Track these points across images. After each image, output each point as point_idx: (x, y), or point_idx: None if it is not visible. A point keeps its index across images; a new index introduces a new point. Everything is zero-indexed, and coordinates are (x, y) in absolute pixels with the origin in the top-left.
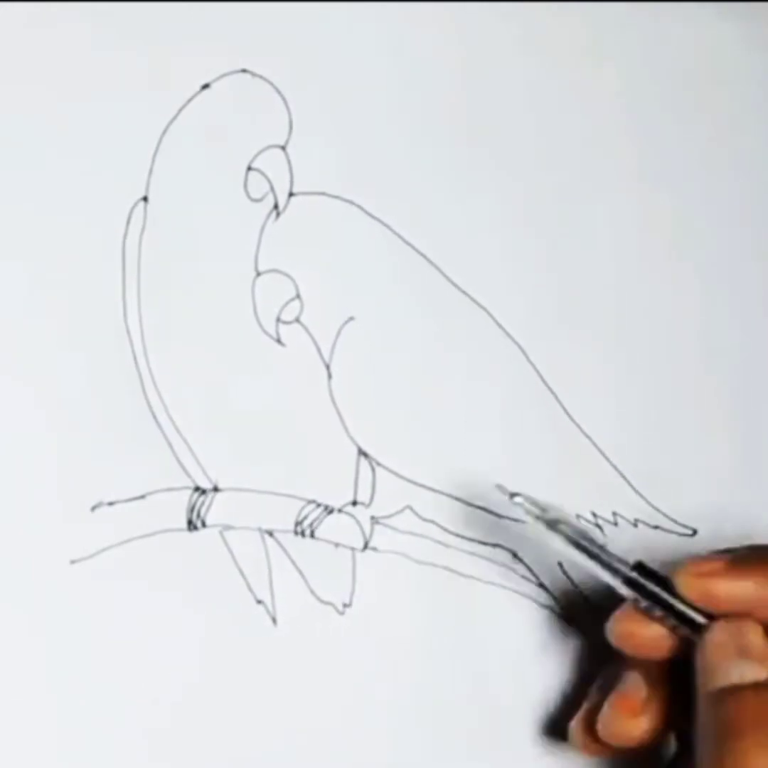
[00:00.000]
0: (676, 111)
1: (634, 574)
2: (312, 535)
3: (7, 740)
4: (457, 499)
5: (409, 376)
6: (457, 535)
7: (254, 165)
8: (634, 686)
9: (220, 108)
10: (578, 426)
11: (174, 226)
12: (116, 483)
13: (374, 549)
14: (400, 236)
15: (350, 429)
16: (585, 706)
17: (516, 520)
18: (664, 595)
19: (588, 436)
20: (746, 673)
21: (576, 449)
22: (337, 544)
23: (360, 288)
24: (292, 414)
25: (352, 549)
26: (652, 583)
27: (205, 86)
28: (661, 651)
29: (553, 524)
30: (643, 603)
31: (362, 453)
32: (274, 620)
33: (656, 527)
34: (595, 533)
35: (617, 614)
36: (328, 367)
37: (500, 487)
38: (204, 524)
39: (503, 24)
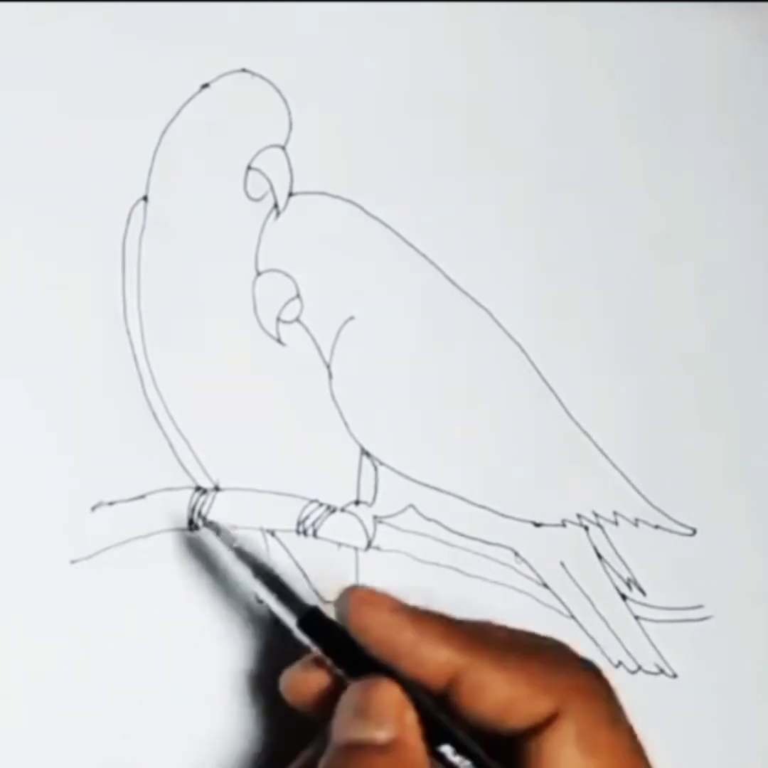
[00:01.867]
0: (676, 111)
1: (295, 624)
2: (314, 535)
3: (6, 740)
4: (460, 498)
5: (409, 376)
6: (460, 535)
7: (254, 164)
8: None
9: (220, 107)
10: (578, 425)
11: (174, 225)
12: (117, 483)
13: (377, 548)
14: (400, 236)
15: (352, 428)
16: None
17: (519, 520)
18: (331, 639)
19: (588, 436)
20: (363, 732)
21: (576, 448)
22: (340, 544)
23: (360, 287)
24: (294, 413)
25: (356, 548)
26: (321, 629)
27: (205, 86)
28: (324, 708)
29: (240, 554)
30: (315, 650)
31: (364, 452)
32: (275, 620)
33: (657, 526)
34: (283, 573)
35: (297, 664)
36: (328, 366)
37: (197, 514)
38: (205, 524)
39: (503, 24)
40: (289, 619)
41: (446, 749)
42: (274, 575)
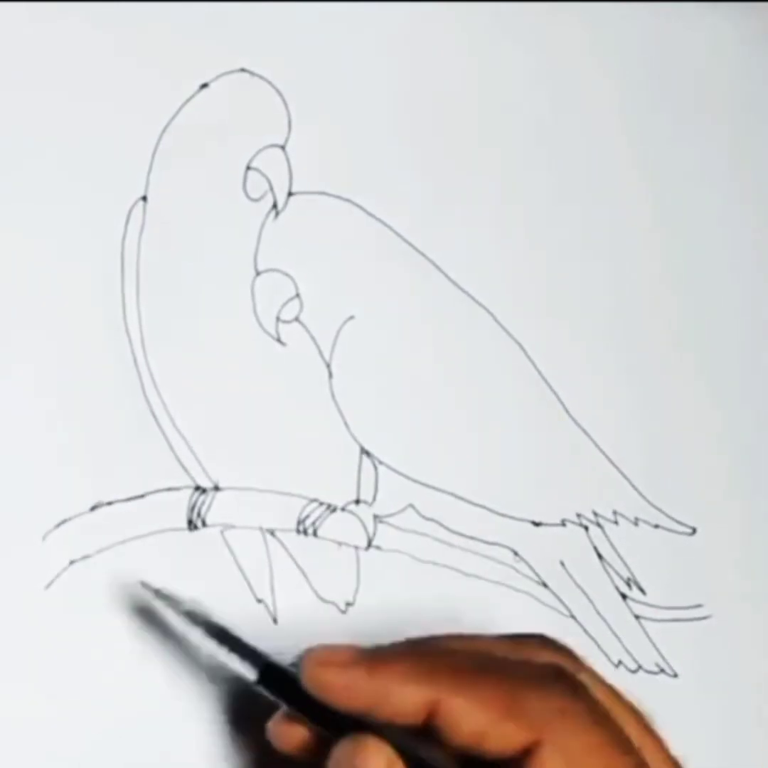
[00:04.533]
0: (676, 111)
1: (253, 679)
2: (314, 534)
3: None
4: (459, 497)
5: (409, 375)
6: (460, 534)
7: (253, 164)
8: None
9: (219, 107)
10: (579, 424)
11: (173, 225)
12: (116, 482)
13: (378, 548)
14: (399, 236)
15: (352, 427)
16: None
17: (519, 520)
18: (293, 696)
19: (588, 435)
20: None
21: (577, 448)
22: (340, 543)
23: (360, 287)
24: (293, 413)
25: (356, 548)
26: (280, 683)
27: (204, 85)
28: (317, 754)
29: (192, 617)
30: (284, 704)
31: (364, 451)
32: (274, 620)
33: (657, 526)
34: (232, 627)
35: (278, 713)
36: (328, 365)
37: (144, 584)
38: (204, 524)
39: (503, 24)
40: (250, 676)
41: None
42: (227, 633)
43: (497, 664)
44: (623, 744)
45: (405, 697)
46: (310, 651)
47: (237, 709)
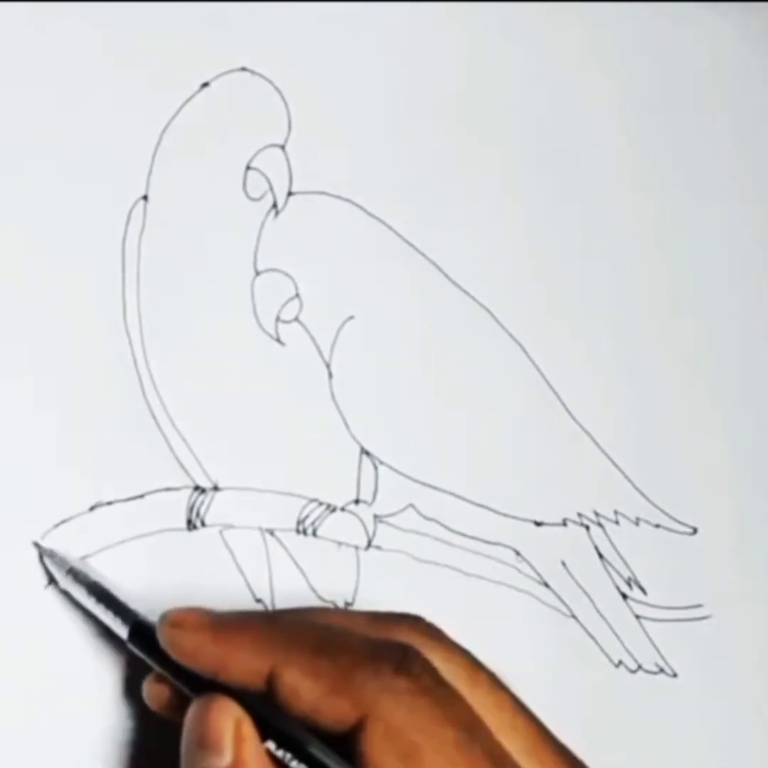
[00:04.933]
0: (676, 111)
1: (125, 633)
2: (314, 534)
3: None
4: (460, 497)
5: (409, 375)
6: (461, 534)
7: (253, 164)
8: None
9: (220, 107)
10: (579, 424)
11: (173, 225)
12: (115, 482)
13: (378, 548)
14: (399, 236)
15: (352, 427)
16: None
17: (520, 519)
18: (158, 655)
19: (589, 434)
20: (205, 761)
21: (578, 447)
22: (340, 543)
23: (359, 287)
24: (293, 413)
25: (356, 547)
26: (148, 642)
27: (205, 85)
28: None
29: (76, 576)
30: (151, 662)
31: (364, 451)
32: None
33: (658, 526)
34: (113, 586)
35: (151, 673)
36: (328, 366)
37: (35, 544)
38: (203, 524)
39: (503, 24)
40: (122, 634)
41: (270, 745)
42: (105, 592)
43: (338, 640)
44: (458, 715)
45: (243, 665)
46: (166, 612)
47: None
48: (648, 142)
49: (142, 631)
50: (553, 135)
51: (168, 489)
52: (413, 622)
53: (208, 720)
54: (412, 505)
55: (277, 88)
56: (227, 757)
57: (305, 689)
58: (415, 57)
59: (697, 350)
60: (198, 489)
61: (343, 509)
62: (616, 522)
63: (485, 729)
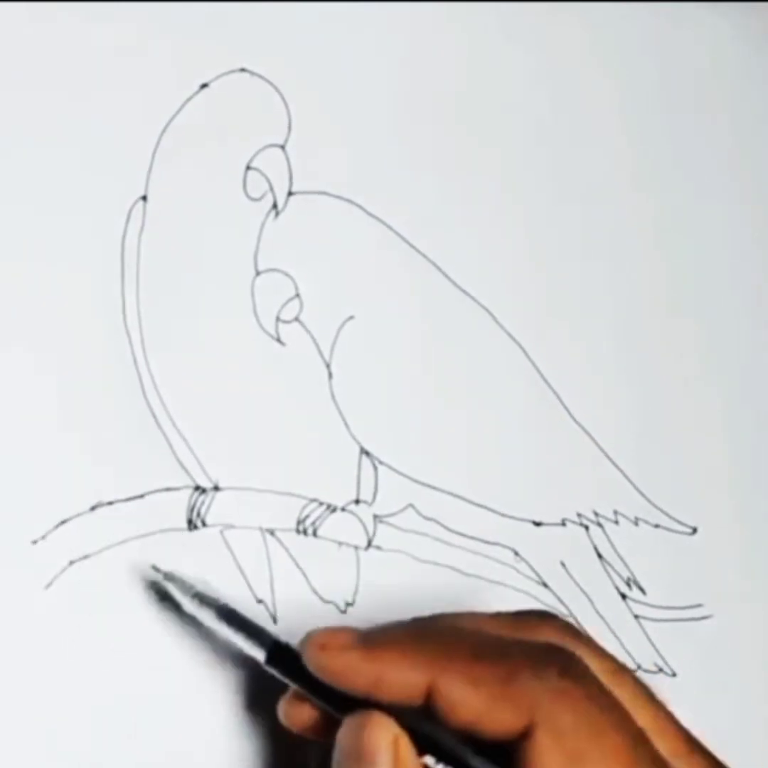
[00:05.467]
0: (676, 111)
1: (262, 659)
2: (314, 534)
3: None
4: (460, 497)
5: (409, 375)
6: (460, 534)
7: (253, 164)
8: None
9: (219, 107)
10: (579, 424)
11: (173, 225)
12: (116, 482)
13: (378, 548)
14: (400, 236)
15: (352, 427)
16: None
17: (519, 519)
18: (301, 676)
19: (589, 434)
20: None
21: (577, 447)
22: (340, 543)
23: (359, 287)
24: (293, 413)
25: (356, 547)
26: (288, 663)
27: (204, 85)
28: (326, 733)
29: (202, 599)
30: (292, 683)
31: (364, 451)
32: (274, 619)
33: (657, 526)
34: (246, 612)
35: (287, 693)
36: (328, 365)
37: (155, 568)
38: (204, 523)
39: (503, 24)
40: (259, 657)
41: (429, 761)
42: (236, 614)
43: (492, 645)
44: (621, 720)
45: (401, 680)
46: (310, 634)
47: (250, 692)
48: (648, 142)
49: (281, 653)
50: (553, 135)
51: (168, 489)
52: (554, 621)
53: (364, 738)
54: (411, 505)
55: (277, 89)
56: None
57: (467, 699)
58: (415, 57)
59: (697, 350)
60: (198, 489)
61: (343, 509)
62: (616, 522)
63: (646, 737)
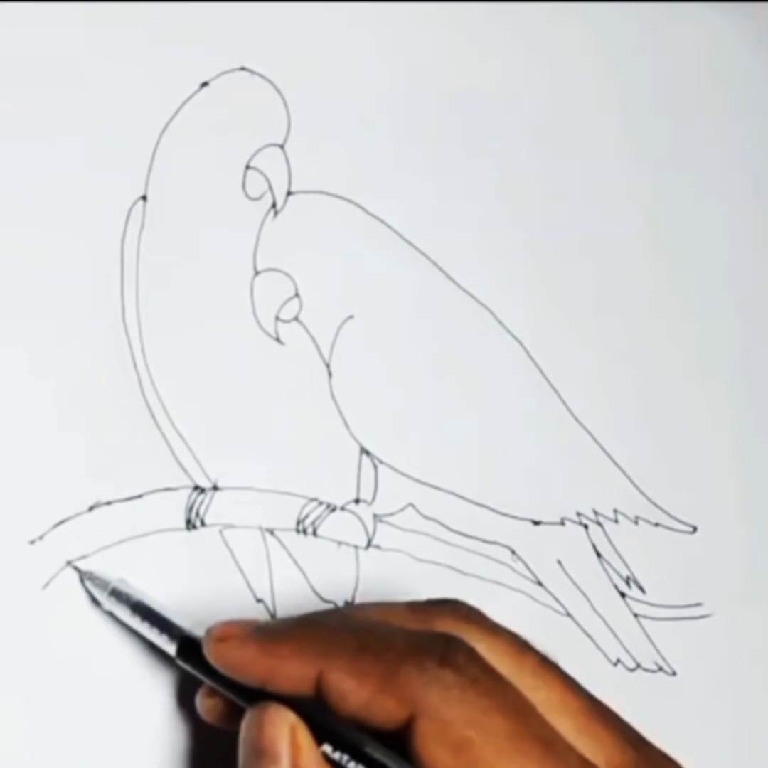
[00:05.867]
0: (676, 111)
1: (173, 649)
2: (314, 534)
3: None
4: (459, 496)
5: (409, 374)
6: (460, 534)
7: (253, 163)
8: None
9: (219, 106)
10: (580, 423)
11: (173, 224)
12: (114, 482)
13: (377, 547)
14: (399, 235)
15: (352, 427)
16: None
17: (519, 518)
18: (208, 669)
19: (590, 433)
20: None
21: (578, 446)
22: (339, 543)
23: (359, 286)
24: (293, 412)
25: (355, 547)
26: (199, 657)
27: (204, 84)
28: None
29: (118, 596)
30: (200, 676)
31: (364, 451)
32: (273, 618)
33: (657, 524)
34: (156, 604)
35: (202, 686)
36: (328, 365)
37: (73, 566)
38: (203, 523)
39: (503, 24)
40: (170, 650)
41: (327, 749)
42: (150, 610)
43: (380, 637)
44: (506, 702)
45: (292, 673)
46: (211, 627)
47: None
48: (648, 141)
49: (190, 646)
50: (552, 135)
51: (167, 489)
52: (453, 608)
53: (263, 728)
54: (411, 505)
55: (276, 88)
56: (284, 764)
57: (352, 691)
58: (415, 57)
59: (697, 349)
60: (197, 489)
61: (343, 509)
62: (616, 521)
63: (535, 714)
